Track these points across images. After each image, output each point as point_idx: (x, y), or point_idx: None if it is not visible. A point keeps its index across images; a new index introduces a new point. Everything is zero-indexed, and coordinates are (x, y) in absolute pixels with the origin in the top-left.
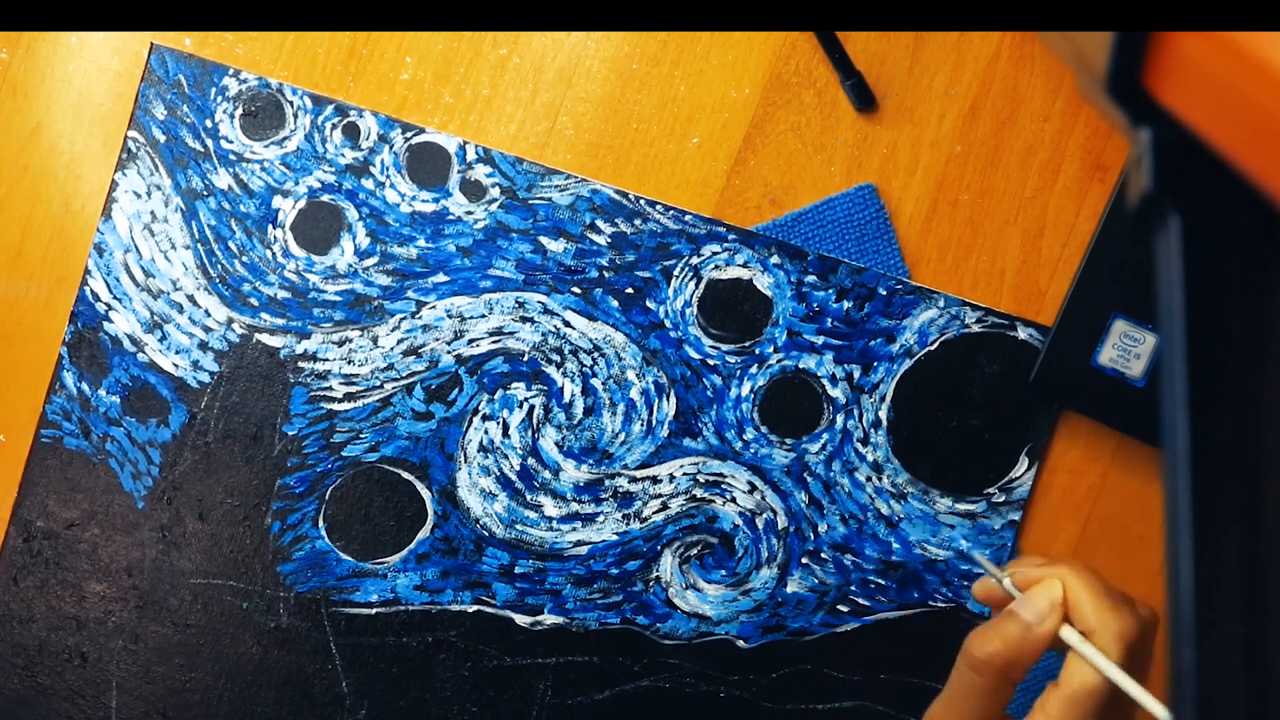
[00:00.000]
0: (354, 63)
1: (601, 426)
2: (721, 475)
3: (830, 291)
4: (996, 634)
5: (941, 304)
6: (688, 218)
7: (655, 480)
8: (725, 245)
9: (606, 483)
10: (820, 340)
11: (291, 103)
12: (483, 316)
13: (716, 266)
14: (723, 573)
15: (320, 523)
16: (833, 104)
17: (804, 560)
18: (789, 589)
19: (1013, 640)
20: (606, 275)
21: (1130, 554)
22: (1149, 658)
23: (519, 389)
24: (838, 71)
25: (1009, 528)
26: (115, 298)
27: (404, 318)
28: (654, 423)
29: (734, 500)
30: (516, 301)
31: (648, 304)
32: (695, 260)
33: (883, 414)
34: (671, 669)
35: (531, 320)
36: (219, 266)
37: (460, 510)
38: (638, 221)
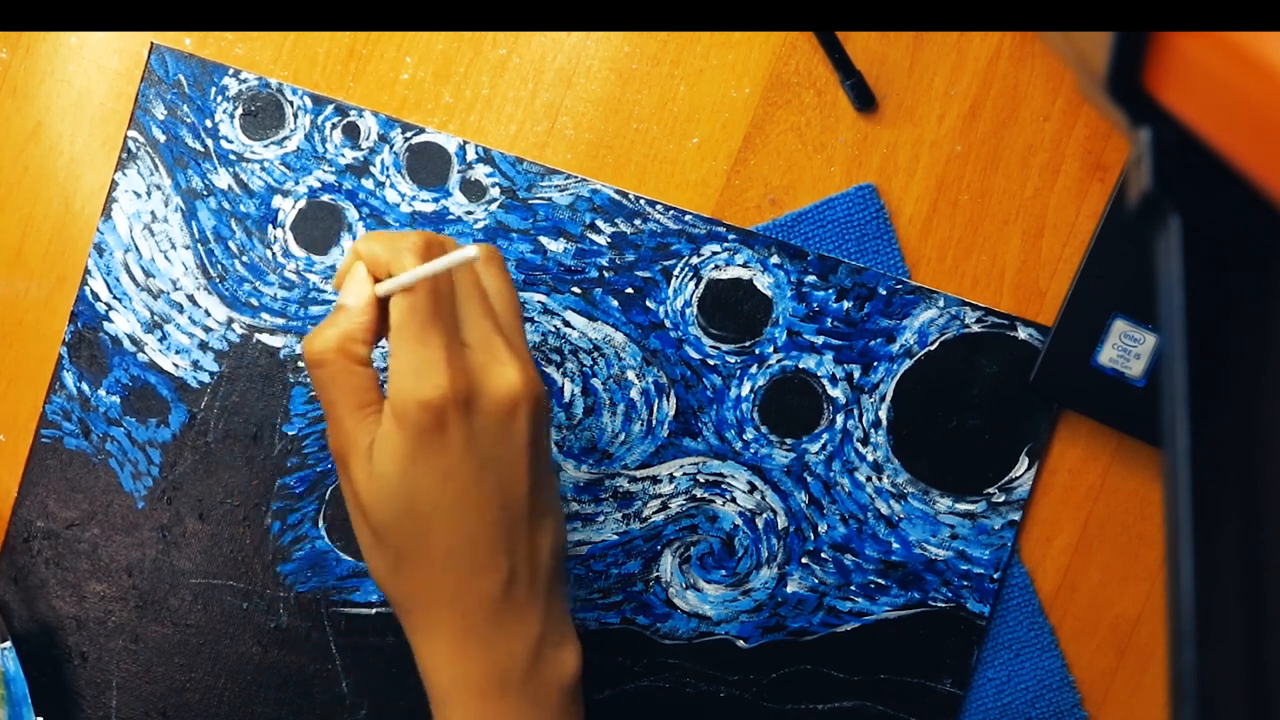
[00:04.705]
0: (354, 63)
1: (601, 426)
2: (721, 475)
3: (830, 291)
4: (323, 325)
5: (941, 304)
6: (688, 218)
7: (655, 480)
8: (725, 245)
9: (606, 483)
10: (820, 340)
11: (291, 102)
12: None
13: (716, 266)
14: (723, 573)
15: (320, 523)
16: (833, 104)
17: (804, 560)
18: (789, 589)
19: (338, 323)
20: (606, 275)
21: (1130, 554)
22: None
23: None
24: (838, 71)
25: (1009, 528)
26: (115, 298)
27: None
28: (654, 423)
29: (734, 500)
30: None
31: (648, 304)
32: (695, 260)
33: (883, 414)
34: (671, 669)
35: (531, 320)
36: (219, 266)
37: None
38: (638, 221)
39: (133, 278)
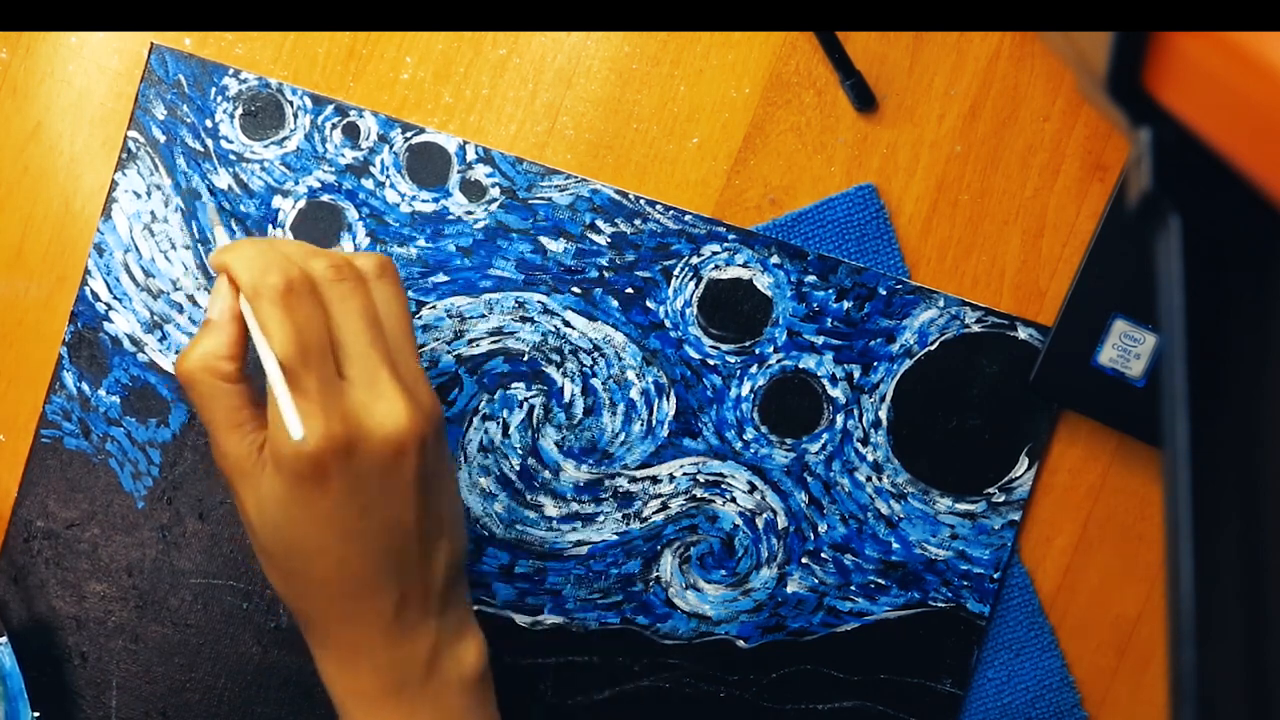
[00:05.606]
0: (354, 63)
1: (601, 426)
2: (721, 475)
3: (830, 291)
4: (191, 343)
5: (941, 304)
6: (688, 218)
7: (655, 480)
8: (725, 245)
9: (606, 483)
10: (820, 340)
11: (291, 103)
12: (483, 316)
13: (716, 266)
14: (723, 573)
15: None
16: (833, 104)
17: (804, 560)
18: (789, 589)
19: (202, 342)
20: (606, 275)
21: (1130, 554)
22: (318, 302)
23: (519, 389)
24: (838, 71)
25: (1009, 528)
26: (115, 298)
27: None
28: (654, 423)
29: (734, 500)
30: (516, 301)
31: (648, 304)
32: (695, 260)
33: (883, 414)
34: (671, 669)
35: (531, 320)
36: None
37: None
38: (638, 221)
39: (133, 278)
